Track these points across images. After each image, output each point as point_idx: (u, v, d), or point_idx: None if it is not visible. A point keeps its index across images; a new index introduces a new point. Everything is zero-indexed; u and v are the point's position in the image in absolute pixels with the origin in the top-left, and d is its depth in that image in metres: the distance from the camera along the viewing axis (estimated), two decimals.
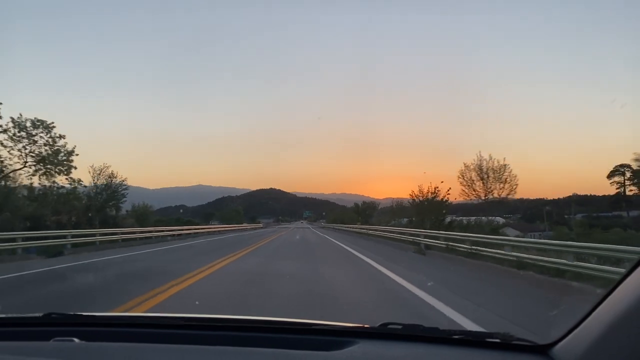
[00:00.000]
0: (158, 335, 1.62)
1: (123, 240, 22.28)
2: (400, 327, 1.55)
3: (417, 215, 27.33)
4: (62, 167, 24.19)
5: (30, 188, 24.39)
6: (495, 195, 29.77)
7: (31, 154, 23.34)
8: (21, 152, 23.11)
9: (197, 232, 36.16)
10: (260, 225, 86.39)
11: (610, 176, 76.39)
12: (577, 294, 6.83)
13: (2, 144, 22.41)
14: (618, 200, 76.70)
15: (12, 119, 22.77)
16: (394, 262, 11.87)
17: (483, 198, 29.87)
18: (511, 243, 10.38)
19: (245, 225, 67.17)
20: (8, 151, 22.68)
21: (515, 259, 9.34)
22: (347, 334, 1.54)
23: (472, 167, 30.74)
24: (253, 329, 1.63)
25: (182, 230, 33.08)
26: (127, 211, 36.20)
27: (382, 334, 1.56)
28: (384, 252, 16.45)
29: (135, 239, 23.94)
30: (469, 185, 30.70)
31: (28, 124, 23.10)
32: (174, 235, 29.89)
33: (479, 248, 11.45)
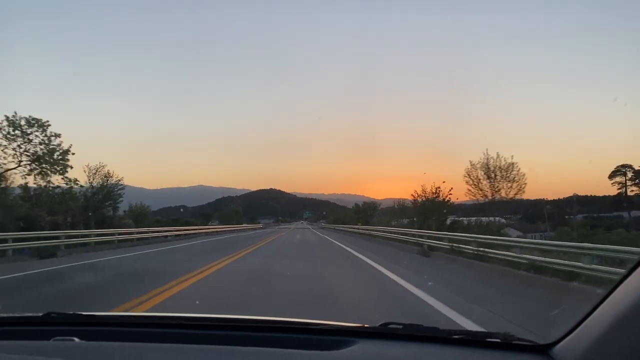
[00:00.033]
0: (158, 335, 1.62)
1: (119, 241, 21.91)
2: (400, 326, 1.55)
3: (419, 215, 26.88)
4: (58, 166, 23.78)
5: (25, 188, 23.91)
6: (503, 194, 28.82)
7: (26, 153, 22.94)
8: (16, 151, 22.71)
9: (195, 233, 35.69)
10: (260, 225, 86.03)
11: (611, 176, 76.17)
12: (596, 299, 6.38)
13: None
14: (619, 201, 76.41)
15: (7, 117, 22.36)
16: (396, 263, 11.54)
17: (490, 198, 28.95)
18: (521, 245, 9.95)
19: (244, 226, 66.65)
20: (2, 150, 22.28)
21: (527, 261, 8.89)
22: (348, 334, 1.53)
23: (478, 165, 29.88)
24: (253, 329, 1.62)
25: (180, 230, 32.65)
26: (124, 211, 35.77)
27: (383, 333, 1.56)
28: (386, 253, 16.07)
29: (131, 239, 23.58)
30: (475, 185, 29.75)
31: (22, 122, 22.69)
32: (173, 235, 29.52)
33: (486, 250, 11.02)
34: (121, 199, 31.09)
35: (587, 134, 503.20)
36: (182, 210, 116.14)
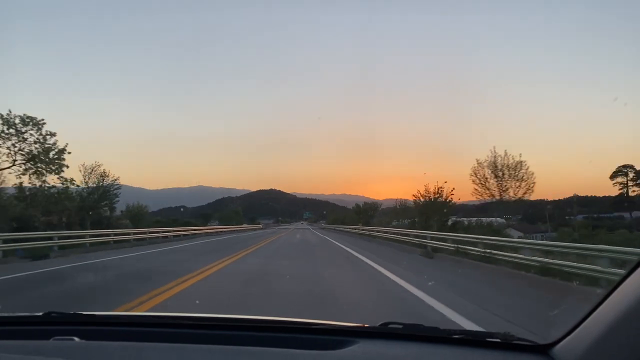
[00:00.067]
0: (158, 334, 1.61)
1: (115, 242, 21.48)
2: (400, 326, 1.54)
3: (421, 216, 26.37)
4: (53, 165, 23.41)
5: (19, 187, 23.49)
6: (512, 194, 27.67)
7: (20, 152, 22.62)
8: (10, 150, 22.40)
9: (195, 234, 35.25)
10: (260, 226, 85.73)
11: (613, 177, 75.95)
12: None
13: None
14: (621, 201, 76.19)
15: (1, 115, 21.99)
16: (398, 265, 11.26)
17: (498, 197, 27.91)
18: (531, 246, 9.53)
19: (244, 227, 66.24)
20: None
21: (538, 264, 8.46)
22: (348, 334, 1.53)
23: (485, 163, 28.71)
24: (253, 329, 1.62)
25: (178, 231, 32.21)
26: (121, 212, 35.34)
27: (383, 333, 1.55)
28: (388, 254, 15.71)
29: (128, 240, 23.15)
30: (482, 184, 28.59)
31: (17, 120, 22.32)
32: (172, 236, 29.13)
33: (493, 251, 10.60)
34: (117, 199, 30.70)
35: (587, 134, 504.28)
36: (182, 210, 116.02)
